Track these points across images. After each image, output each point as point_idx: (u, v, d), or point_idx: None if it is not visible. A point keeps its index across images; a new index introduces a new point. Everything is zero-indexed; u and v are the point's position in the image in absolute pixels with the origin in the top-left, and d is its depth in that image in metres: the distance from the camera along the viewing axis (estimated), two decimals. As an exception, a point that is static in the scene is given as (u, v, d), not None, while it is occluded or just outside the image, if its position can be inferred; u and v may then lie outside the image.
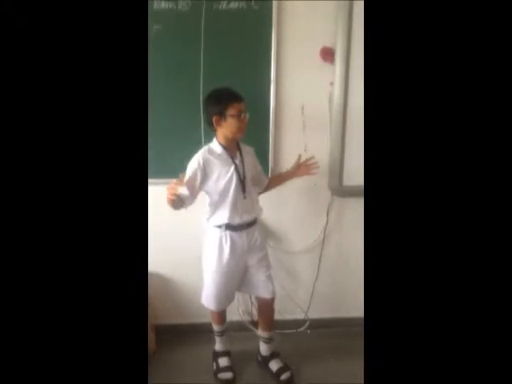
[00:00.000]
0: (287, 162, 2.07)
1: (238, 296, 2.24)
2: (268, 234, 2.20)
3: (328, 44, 1.97)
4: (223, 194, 1.69)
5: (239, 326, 2.26)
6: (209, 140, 1.78)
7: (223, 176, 1.68)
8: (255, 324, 2.27)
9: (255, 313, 2.28)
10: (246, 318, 2.29)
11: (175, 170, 1.77)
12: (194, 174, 1.65)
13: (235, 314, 2.26)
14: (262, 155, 2.06)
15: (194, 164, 1.66)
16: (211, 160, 1.67)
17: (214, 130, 1.69)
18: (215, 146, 1.70)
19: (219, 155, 1.68)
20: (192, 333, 2.22)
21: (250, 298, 2.24)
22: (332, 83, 2.00)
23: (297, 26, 1.95)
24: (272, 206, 2.16)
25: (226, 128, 1.63)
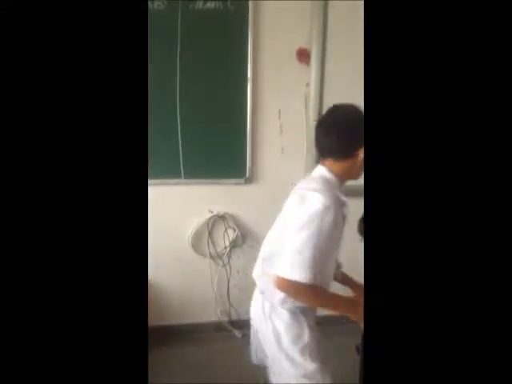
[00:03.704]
0: (264, 166, 2.09)
1: (217, 296, 2.24)
2: (246, 233, 2.21)
3: (304, 45, 1.99)
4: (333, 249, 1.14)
5: (218, 327, 2.26)
6: (186, 144, 1.77)
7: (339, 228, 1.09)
8: (233, 324, 2.28)
9: (233, 313, 2.28)
10: (224, 319, 2.29)
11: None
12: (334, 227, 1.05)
13: (213, 314, 2.26)
14: (239, 158, 2.07)
15: (329, 215, 1.02)
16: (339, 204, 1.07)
17: (335, 159, 1.13)
18: (335, 183, 1.12)
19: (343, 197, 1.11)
20: (175, 334, 2.20)
21: (228, 298, 2.24)
22: (308, 84, 2.02)
23: (273, 27, 1.97)
24: (249, 205, 2.17)
25: (359, 166, 1.12)
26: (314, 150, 2.07)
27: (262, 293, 1.23)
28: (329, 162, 1.15)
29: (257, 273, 1.26)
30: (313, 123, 2.04)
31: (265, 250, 1.26)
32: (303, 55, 2.00)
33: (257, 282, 1.27)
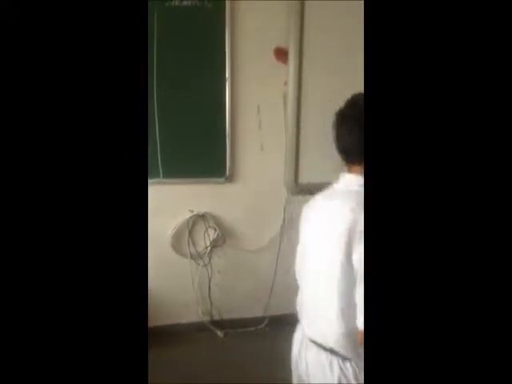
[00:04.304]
0: (244, 164, 2.09)
1: (198, 296, 2.23)
2: (226, 232, 2.20)
3: (281, 44, 2.00)
4: None
5: (199, 327, 2.25)
6: (164, 143, 1.74)
7: None
8: (215, 324, 2.27)
9: (215, 313, 2.28)
10: (206, 319, 2.28)
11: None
12: None
13: (195, 314, 2.25)
14: (219, 157, 2.06)
15: None
16: None
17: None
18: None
19: None
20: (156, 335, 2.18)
21: (210, 298, 2.23)
22: (286, 83, 2.03)
23: (250, 26, 1.96)
24: (229, 204, 2.17)
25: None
26: (293, 148, 2.08)
27: (346, 358, 0.94)
28: (358, 169, 0.92)
29: (332, 336, 0.93)
30: (291, 121, 2.05)
31: (332, 303, 0.91)
32: (281, 54, 2.01)
33: (335, 347, 0.94)
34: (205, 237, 2.17)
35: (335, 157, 0.98)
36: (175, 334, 2.15)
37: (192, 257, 2.19)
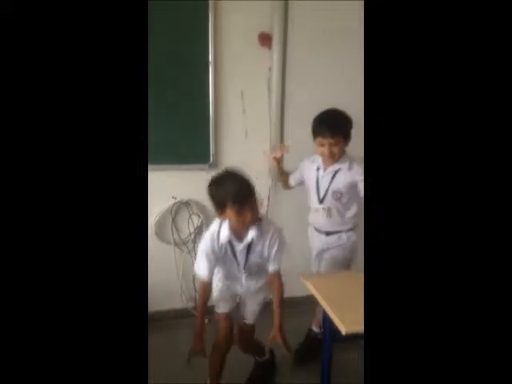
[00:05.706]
0: (228, 151, 2.08)
1: (182, 283, 2.23)
2: (210, 219, 2.19)
3: (265, 30, 1.98)
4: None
5: (184, 313, 2.25)
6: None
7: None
8: (199, 310, 2.27)
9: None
10: (190, 305, 2.28)
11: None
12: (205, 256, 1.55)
13: (179, 301, 2.25)
14: (203, 140, 2.05)
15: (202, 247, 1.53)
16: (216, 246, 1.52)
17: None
18: (224, 226, 1.49)
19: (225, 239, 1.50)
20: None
21: (194, 284, 2.24)
22: (270, 68, 2.02)
23: (234, 11, 1.94)
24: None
25: (228, 218, 1.45)
26: (278, 135, 2.08)
27: None
28: None
29: None
30: (276, 107, 2.05)
31: None
32: (265, 39, 1.99)
33: None
34: (189, 223, 2.17)
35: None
36: (159, 320, 2.15)
37: (176, 244, 2.18)
